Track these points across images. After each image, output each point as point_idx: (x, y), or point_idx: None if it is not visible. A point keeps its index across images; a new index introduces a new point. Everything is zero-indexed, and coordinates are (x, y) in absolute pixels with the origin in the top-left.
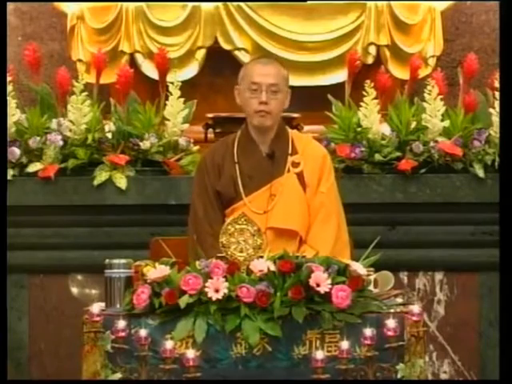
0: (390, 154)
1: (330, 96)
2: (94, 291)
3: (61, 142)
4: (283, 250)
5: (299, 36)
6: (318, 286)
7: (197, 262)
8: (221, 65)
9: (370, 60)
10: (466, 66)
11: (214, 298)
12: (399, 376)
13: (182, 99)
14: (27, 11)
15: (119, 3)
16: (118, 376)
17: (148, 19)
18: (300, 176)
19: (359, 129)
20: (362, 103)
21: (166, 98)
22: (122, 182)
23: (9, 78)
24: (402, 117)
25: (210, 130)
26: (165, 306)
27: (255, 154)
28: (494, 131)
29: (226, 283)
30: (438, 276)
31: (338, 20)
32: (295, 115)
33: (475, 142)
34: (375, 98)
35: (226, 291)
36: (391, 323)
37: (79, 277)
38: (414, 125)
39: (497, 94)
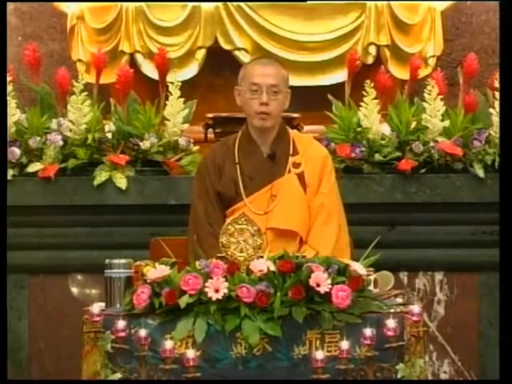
0: (390, 154)
1: (330, 96)
2: (94, 291)
3: (61, 142)
4: (283, 250)
5: (299, 36)
6: (318, 286)
7: (197, 262)
8: (221, 65)
9: (370, 60)
10: (466, 65)
11: (214, 298)
12: (399, 376)
13: (182, 99)
14: (27, 11)
15: (119, 3)
16: (117, 376)
17: (148, 19)
18: (301, 177)
19: (359, 129)
20: (361, 103)
21: (166, 98)
22: (122, 182)
23: (9, 78)
24: (402, 117)
25: (210, 130)
26: (165, 306)
27: (256, 154)
28: (494, 131)
29: (225, 283)
30: (438, 276)
31: (337, 20)
32: (295, 115)
33: (475, 141)
34: (375, 98)
35: (225, 291)
36: (391, 323)
37: (79, 277)
38: (414, 125)
39: (497, 94)
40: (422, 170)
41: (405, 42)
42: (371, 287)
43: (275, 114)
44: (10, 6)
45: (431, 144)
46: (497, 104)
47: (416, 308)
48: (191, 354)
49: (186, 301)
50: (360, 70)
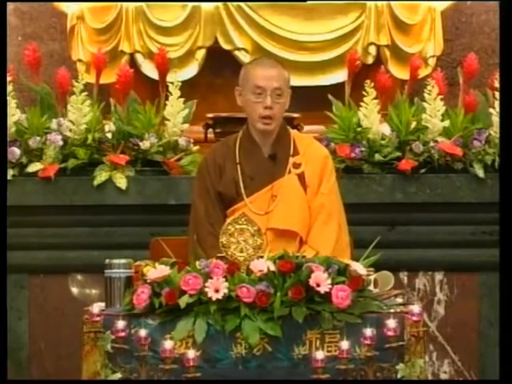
0: (390, 154)
1: (330, 96)
2: (94, 291)
3: (61, 142)
4: (283, 250)
5: (299, 36)
6: (318, 285)
7: (197, 262)
8: (221, 65)
9: (370, 60)
10: (466, 65)
11: (214, 298)
12: (399, 376)
13: (182, 99)
14: (27, 11)
15: (119, 3)
16: (117, 376)
17: (148, 19)
18: (301, 177)
19: (359, 129)
20: (362, 103)
21: (166, 98)
22: (122, 182)
23: (9, 78)
24: (402, 117)
25: (210, 130)
26: (165, 306)
27: (257, 155)
28: (494, 131)
29: (225, 283)
30: (438, 276)
31: (337, 20)
32: (295, 115)
33: (475, 141)
34: (375, 98)
35: (226, 291)
36: (391, 323)
37: (79, 277)
38: (414, 125)
39: (497, 94)
40: (422, 170)
41: (405, 42)
42: (371, 287)
43: (278, 117)
44: (10, 5)
45: (431, 144)
46: (497, 104)
47: (416, 308)
48: (191, 353)
49: (185, 301)
50: (360, 70)
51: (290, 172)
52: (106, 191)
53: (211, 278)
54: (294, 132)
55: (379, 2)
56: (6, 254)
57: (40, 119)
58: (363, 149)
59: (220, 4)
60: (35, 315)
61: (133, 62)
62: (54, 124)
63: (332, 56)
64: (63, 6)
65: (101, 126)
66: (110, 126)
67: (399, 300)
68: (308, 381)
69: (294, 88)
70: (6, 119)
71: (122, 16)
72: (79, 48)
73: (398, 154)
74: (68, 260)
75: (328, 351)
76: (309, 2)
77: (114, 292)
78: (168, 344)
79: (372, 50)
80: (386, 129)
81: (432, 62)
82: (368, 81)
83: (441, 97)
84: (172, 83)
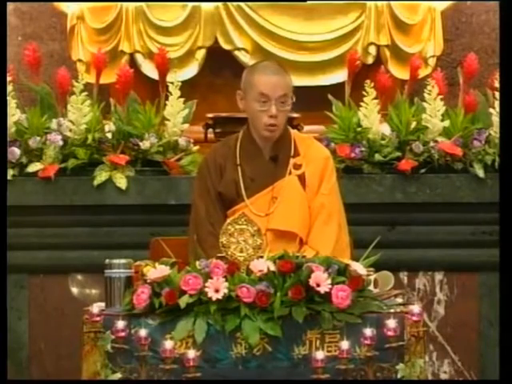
0: (390, 154)
1: (330, 96)
2: (94, 291)
3: (61, 142)
4: (283, 250)
5: (299, 36)
6: (318, 286)
7: (197, 262)
8: (221, 65)
9: (370, 60)
10: (466, 65)
11: (214, 298)
12: (399, 376)
13: (182, 99)
14: (27, 11)
15: (119, 3)
16: (117, 376)
17: (148, 19)
18: (301, 178)
19: (359, 129)
20: (362, 103)
21: (166, 98)
22: (122, 181)
23: (9, 78)
24: (402, 117)
25: (210, 130)
26: (165, 306)
27: (258, 157)
28: (494, 131)
29: (225, 283)
30: (438, 276)
31: (337, 20)
32: (295, 115)
33: (475, 141)
34: (375, 98)
35: (225, 291)
36: (391, 323)
37: (79, 277)
38: (414, 125)
39: (497, 94)
40: (422, 170)
41: (405, 41)
42: (371, 287)
43: (282, 124)
44: (10, 5)
45: (431, 144)
46: (497, 104)
47: (416, 308)
48: (191, 353)
49: (185, 301)
50: (360, 70)
51: (290, 173)
52: (106, 191)
53: (211, 278)
54: (294, 132)
55: (379, 2)
56: (6, 254)
57: (40, 119)
58: (363, 149)
59: (220, 4)
60: (35, 315)
61: (133, 62)
62: (54, 124)
63: (332, 56)
64: (63, 5)
65: (101, 126)
66: (110, 126)
67: (399, 300)
68: (308, 381)
69: (294, 88)
70: (6, 119)
71: (121, 16)
72: (79, 48)
73: (398, 154)
74: (68, 260)
75: (328, 351)
76: (309, 2)
77: (114, 292)
78: (168, 344)
79: (372, 49)
80: (386, 129)
81: (432, 62)
82: (368, 81)
83: (441, 97)
84: (172, 83)
